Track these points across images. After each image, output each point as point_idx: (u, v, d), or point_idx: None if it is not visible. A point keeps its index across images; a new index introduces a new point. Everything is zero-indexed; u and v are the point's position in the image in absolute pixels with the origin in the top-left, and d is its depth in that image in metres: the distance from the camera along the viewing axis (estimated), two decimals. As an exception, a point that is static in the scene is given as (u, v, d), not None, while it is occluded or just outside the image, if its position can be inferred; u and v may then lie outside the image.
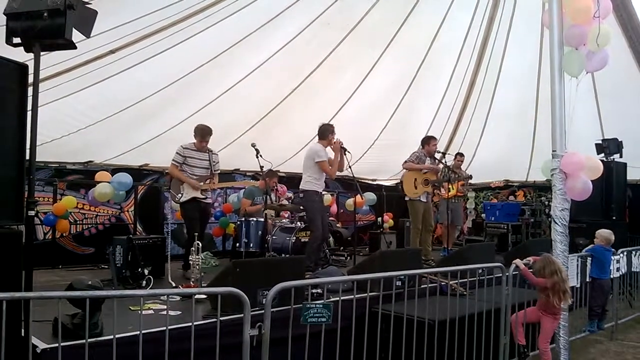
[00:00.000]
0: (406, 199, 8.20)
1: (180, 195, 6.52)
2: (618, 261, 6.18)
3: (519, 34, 8.82)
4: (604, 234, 6.14)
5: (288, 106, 8.85)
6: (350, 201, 10.08)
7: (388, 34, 8.40)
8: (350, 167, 7.01)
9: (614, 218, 8.13)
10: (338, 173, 7.24)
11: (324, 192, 9.26)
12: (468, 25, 8.76)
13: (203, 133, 6.58)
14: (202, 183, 6.57)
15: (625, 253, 6.41)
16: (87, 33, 3.45)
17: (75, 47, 3.36)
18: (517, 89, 9.78)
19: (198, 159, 6.65)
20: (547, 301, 4.70)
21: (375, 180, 12.50)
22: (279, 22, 7.15)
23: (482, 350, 4.63)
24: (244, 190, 8.36)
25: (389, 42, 8.53)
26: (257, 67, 7.83)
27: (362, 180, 11.32)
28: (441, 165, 8.50)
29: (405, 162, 8.23)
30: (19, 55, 3.30)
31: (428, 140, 8.23)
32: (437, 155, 8.35)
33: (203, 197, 6.62)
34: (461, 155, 10.02)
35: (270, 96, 8.63)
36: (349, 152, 6.96)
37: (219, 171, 7.02)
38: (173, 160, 6.59)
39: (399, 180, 12.14)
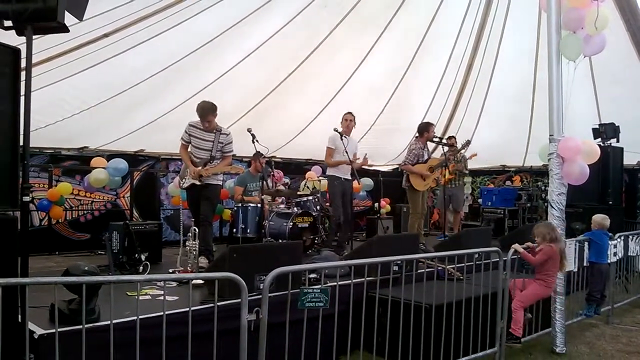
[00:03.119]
0: (405, 186, 8.12)
1: (184, 180, 6.19)
2: (615, 246, 6.20)
3: (516, 17, 8.78)
4: (597, 219, 6.16)
5: (284, 91, 8.79)
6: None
7: (385, 16, 8.33)
8: (347, 152, 7.00)
9: (611, 203, 8.14)
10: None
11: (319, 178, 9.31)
12: (465, 9, 8.70)
13: (202, 112, 5.90)
14: (199, 168, 6.01)
15: (622, 238, 6.42)
16: (80, 16, 3.41)
17: (68, 31, 3.31)
18: (514, 73, 9.74)
19: (201, 140, 6.06)
20: (542, 268, 4.88)
21: (372, 165, 12.47)
22: (275, 5, 7.07)
23: (479, 335, 4.65)
24: (237, 176, 8.35)
25: (386, 26, 8.47)
26: (253, 52, 7.77)
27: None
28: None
29: (405, 163, 8.01)
30: (11, 38, 3.25)
31: (427, 127, 8.08)
32: (435, 140, 8.31)
33: (200, 183, 6.02)
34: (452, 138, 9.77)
35: (265, 81, 8.57)
36: (345, 137, 6.96)
37: (230, 153, 6.27)
38: (181, 137, 6.18)
39: (396, 166, 12.18)
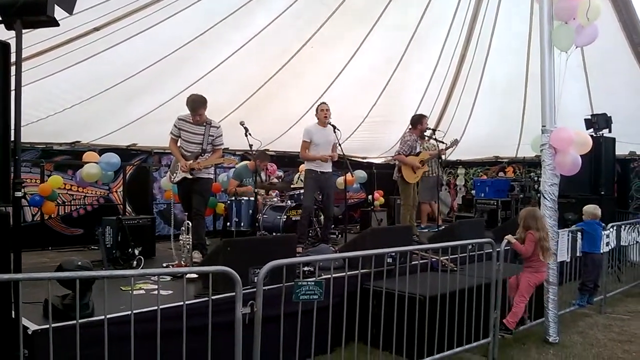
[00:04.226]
0: (396, 177, 8.13)
1: (175, 174, 6.14)
2: (608, 236, 6.23)
3: (508, 8, 8.77)
4: (589, 210, 6.20)
5: (276, 84, 8.75)
6: (340, 179, 10.08)
7: (377, 8, 8.30)
8: (340, 145, 6.99)
9: (603, 193, 8.18)
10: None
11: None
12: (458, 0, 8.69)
13: (194, 105, 5.84)
14: (191, 162, 5.97)
15: (615, 228, 6.46)
16: (69, 10, 3.39)
17: (57, 24, 3.29)
18: (506, 64, 9.75)
19: (191, 133, 6.02)
20: (529, 257, 4.95)
21: (365, 158, 12.49)
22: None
23: (472, 325, 4.68)
24: (233, 169, 8.31)
25: (378, 17, 8.44)
26: (244, 45, 7.72)
27: (352, 158, 11.30)
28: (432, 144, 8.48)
29: (399, 153, 7.99)
30: (0, 33, 3.22)
31: (420, 120, 8.11)
32: (428, 133, 8.35)
33: (191, 176, 5.98)
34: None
35: (258, 74, 8.53)
36: (338, 129, 6.94)
37: (220, 146, 6.23)
38: (170, 132, 6.12)
39: (389, 158, 12.20)
